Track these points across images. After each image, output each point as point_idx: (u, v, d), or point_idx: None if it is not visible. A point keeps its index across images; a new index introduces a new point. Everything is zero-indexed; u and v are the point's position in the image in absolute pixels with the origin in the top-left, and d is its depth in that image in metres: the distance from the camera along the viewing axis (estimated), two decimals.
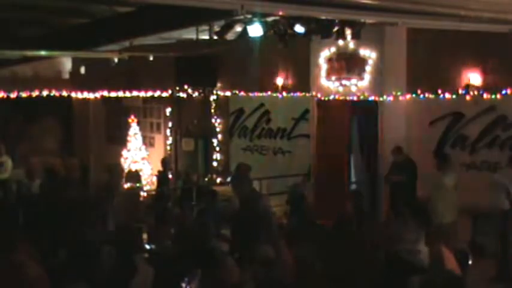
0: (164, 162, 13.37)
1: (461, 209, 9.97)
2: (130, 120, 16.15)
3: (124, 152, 16.00)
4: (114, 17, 10.52)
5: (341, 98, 11.88)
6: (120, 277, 5.70)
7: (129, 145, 16.04)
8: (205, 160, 14.96)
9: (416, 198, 9.99)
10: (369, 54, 11.38)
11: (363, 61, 11.47)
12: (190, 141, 15.18)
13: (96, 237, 6.76)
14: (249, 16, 8.58)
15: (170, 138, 15.58)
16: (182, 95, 14.71)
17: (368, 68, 11.45)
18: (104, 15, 10.65)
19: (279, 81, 13.24)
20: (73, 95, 15.57)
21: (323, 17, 8.76)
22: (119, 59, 13.42)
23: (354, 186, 12.36)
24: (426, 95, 10.83)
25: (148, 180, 15.42)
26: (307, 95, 12.59)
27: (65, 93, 14.92)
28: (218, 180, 14.21)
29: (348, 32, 9.52)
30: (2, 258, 4.88)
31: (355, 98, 11.70)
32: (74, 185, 10.76)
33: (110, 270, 5.76)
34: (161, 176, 13.18)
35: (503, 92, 9.98)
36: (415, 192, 10.26)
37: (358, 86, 11.56)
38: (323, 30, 9.37)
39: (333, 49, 11.72)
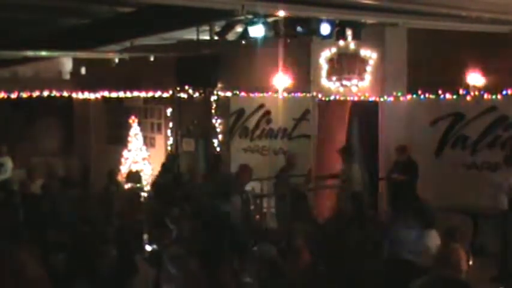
0: (169, 158, 13.29)
1: (462, 209, 9.98)
2: (131, 121, 16.14)
3: (125, 153, 16.01)
4: (115, 17, 10.51)
5: (342, 98, 11.88)
6: (121, 277, 5.70)
7: (129, 145, 16.04)
8: (205, 160, 14.94)
9: (418, 199, 9.99)
10: (369, 54, 11.38)
11: (364, 61, 11.47)
12: (190, 142, 15.17)
13: (97, 237, 6.77)
14: (250, 16, 8.58)
15: (171, 139, 15.58)
16: (183, 95, 14.70)
17: (369, 69, 11.45)
18: (104, 15, 10.64)
19: (280, 81, 13.23)
20: (74, 95, 15.57)
21: (324, 17, 8.76)
22: (120, 60, 13.42)
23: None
24: (427, 95, 10.83)
25: (149, 181, 15.41)
26: (307, 95, 12.59)
27: (65, 94, 14.92)
28: None
29: (349, 32, 9.52)
30: (2, 258, 4.87)
31: (355, 99, 11.70)
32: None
33: (110, 270, 5.77)
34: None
35: (504, 92, 9.97)
36: (416, 192, 10.25)
37: (359, 86, 11.56)
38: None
39: (334, 49, 11.72)
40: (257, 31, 9.07)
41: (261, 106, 13.76)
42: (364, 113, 11.95)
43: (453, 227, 7.54)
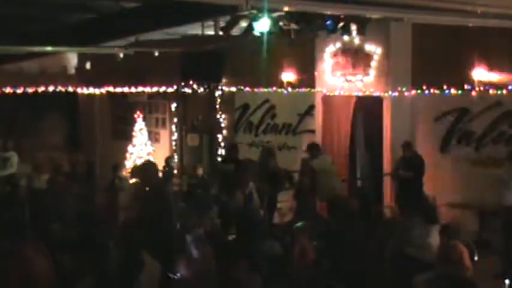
0: (167, 161, 13.35)
1: (467, 205, 9.98)
2: (135, 116, 16.16)
3: (129, 148, 16.03)
4: (120, 12, 10.53)
5: (346, 93, 11.87)
6: (127, 273, 5.71)
7: (134, 140, 16.05)
8: (210, 156, 14.95)
9: (424, 195, 9.97)
10: (374, 49, 11.37)
11: (368, 57, 11.46)
12: (195, 137, 15.17)
13: (103, 232, 6.78)
14: (254, 11, 8.57)
15: (175, 134, 15.59)
16: (187, 90, 14.70)
17: (373, 64, 11.44)
18: (109, 10, 10.65)
19: (285, 76, 13.22)
20: (79, 90, 15.59)
21: (328, 12, 8.75)
22: (125, 55, 13.43)
23: (359, 183, 12.36)
24: (431, 90, 10.80)
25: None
26: (312, 90, 12.58)
27: (70, 89, 14.95)
28: None
29: (354, 27, 9.51)
30: (9, 253, 4.90)
31: (360, 94, 11.69)
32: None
33: (117, 266, 5.78)
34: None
35: (510, 87, 9.94)
36: (422, 188, 10.23)
37: (364, 81, 11.56)
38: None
39: (338, 45, 11.71)
40: (262, 26, 9.07)
41: (266, 101, 13.76)
42: (369, 108, 11.94)
43: (446, 224, 7.54)
